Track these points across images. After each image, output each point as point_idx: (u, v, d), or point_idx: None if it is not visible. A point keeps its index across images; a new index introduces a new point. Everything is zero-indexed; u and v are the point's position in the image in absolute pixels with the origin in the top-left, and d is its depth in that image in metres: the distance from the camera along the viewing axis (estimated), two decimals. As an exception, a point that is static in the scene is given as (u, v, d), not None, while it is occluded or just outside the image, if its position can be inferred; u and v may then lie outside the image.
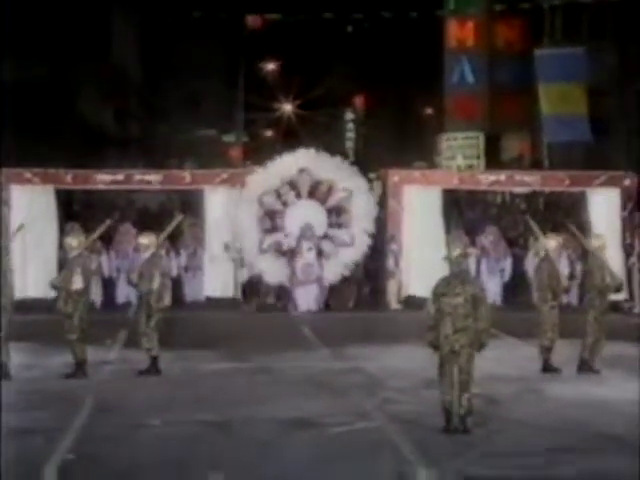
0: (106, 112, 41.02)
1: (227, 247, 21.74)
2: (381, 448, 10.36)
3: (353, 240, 21.71)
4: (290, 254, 21.62)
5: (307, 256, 21.49)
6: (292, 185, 21.91)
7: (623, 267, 20.75)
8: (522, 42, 41.14)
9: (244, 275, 22.00)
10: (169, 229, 16.25)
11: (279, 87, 53.78)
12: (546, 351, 14.42)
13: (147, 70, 46.38)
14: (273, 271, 21.71)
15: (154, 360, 14.35)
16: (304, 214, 21.72)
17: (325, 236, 21.76)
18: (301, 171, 21.90)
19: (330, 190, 21.91)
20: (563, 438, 10.72)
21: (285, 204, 21.89)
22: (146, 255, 14.58)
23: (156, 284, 14.32)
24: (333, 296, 21.92)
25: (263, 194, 21.80)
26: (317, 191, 21.94)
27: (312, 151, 22.52)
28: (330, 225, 21.86)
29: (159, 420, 11.46)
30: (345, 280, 21.93)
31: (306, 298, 21.52)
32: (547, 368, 14.35)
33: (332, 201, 21.94)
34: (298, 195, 21.94)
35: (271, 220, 21.84)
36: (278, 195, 21.88)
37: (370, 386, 13.51)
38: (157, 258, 14.78)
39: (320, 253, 21.60)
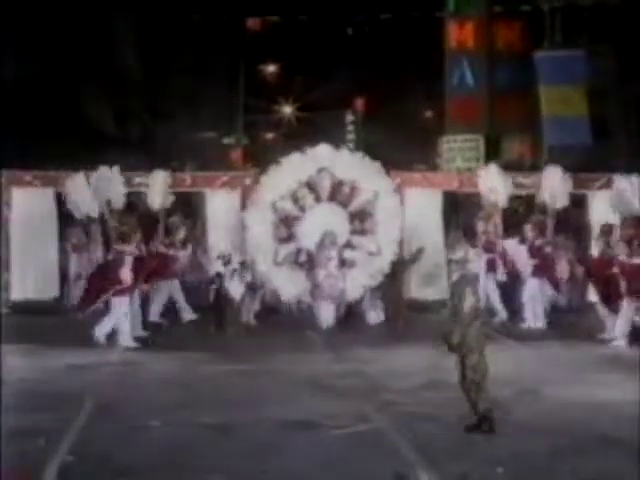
0: (107, 115, 41.03)
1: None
2: (382, 450, 10.38)
3: (380, 249, 19.73)
4: (309, 265, 19.43)
5: (329, 267, 19.10)
6: (310, 187, 19.70)
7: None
8: (522, 44, 41.09)
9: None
10: None
11: (279, 89, 53.81)
12: None
13: (147, 73, 46.33)
14: (290, 286, 19.51)
15: None
16: (324, 220, 19.55)
17: (348, 244, 19.68)
18: (320, 170, 19.75)
19: (353, 192, 19.85)
20: (562, 440, 10.72)
21: (303, 209, 19.73)
22: None
23: None
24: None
25: (278, 199, 19.60)
26: (338, 193, 19.81)
27: (330, 147, 20.12)
28: (353, 232, 19.79)
29: (159, 421, 11.48)
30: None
31: (327, 313, 19.04)
32: None
33: (355, 205, 19.76)
34: (317, 198, 19.72)
35: (287, 227, 19.66)
36: (295, 199, 19.65)
37: (371, 388, 13.51)
38: None
39: (342, 263, 19.24)
